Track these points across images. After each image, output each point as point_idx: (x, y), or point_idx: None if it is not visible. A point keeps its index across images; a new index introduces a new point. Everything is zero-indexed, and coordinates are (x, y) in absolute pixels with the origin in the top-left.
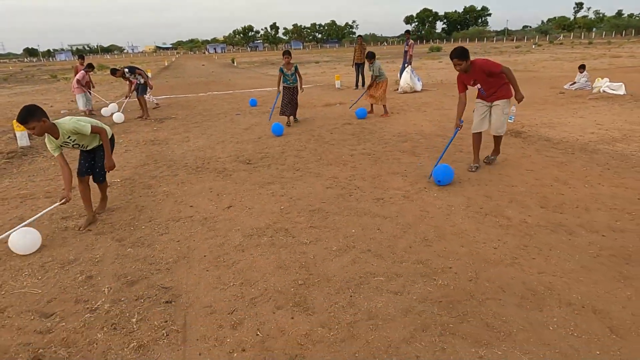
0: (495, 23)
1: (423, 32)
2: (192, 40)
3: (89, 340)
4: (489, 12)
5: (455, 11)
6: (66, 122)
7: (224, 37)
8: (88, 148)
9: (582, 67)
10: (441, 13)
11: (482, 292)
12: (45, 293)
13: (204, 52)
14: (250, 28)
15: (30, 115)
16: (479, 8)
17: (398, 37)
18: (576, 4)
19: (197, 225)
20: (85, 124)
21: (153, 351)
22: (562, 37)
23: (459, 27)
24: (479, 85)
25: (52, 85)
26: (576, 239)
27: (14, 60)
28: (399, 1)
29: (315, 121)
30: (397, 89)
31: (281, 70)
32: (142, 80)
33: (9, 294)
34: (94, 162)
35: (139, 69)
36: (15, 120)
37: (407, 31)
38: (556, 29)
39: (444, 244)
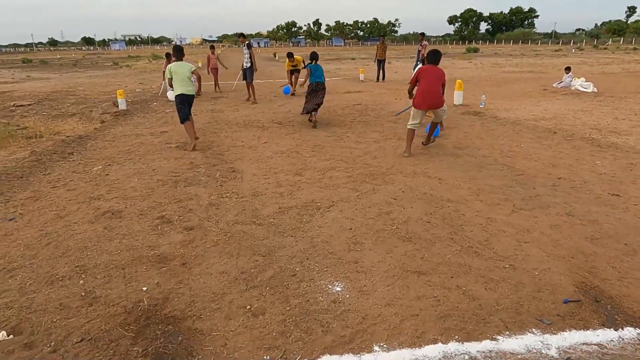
0: (543, 26)
1: (465, 32)
2: (237, 34)
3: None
4: (536, 14)
5: (501, 12)
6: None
7: (267, 32)
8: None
9: (567, 69)
10: (486, 14)
11: (390, 172)
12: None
13: None
14: (293, 24)
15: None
16: (526, 9)
17: (442, 36)
18: (628, 7)
19: (245, 148)
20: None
21: (228, 183)
22: (611, 42)
23: (503, 28)
24: None
25: (118, 71)
26: (458, 159)
27: (72, 48)
28: (445, 1)
29: (334, 101)
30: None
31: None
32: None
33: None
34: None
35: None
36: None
37: (422, 33)
38: (605, 33)
39: (384, 159)
